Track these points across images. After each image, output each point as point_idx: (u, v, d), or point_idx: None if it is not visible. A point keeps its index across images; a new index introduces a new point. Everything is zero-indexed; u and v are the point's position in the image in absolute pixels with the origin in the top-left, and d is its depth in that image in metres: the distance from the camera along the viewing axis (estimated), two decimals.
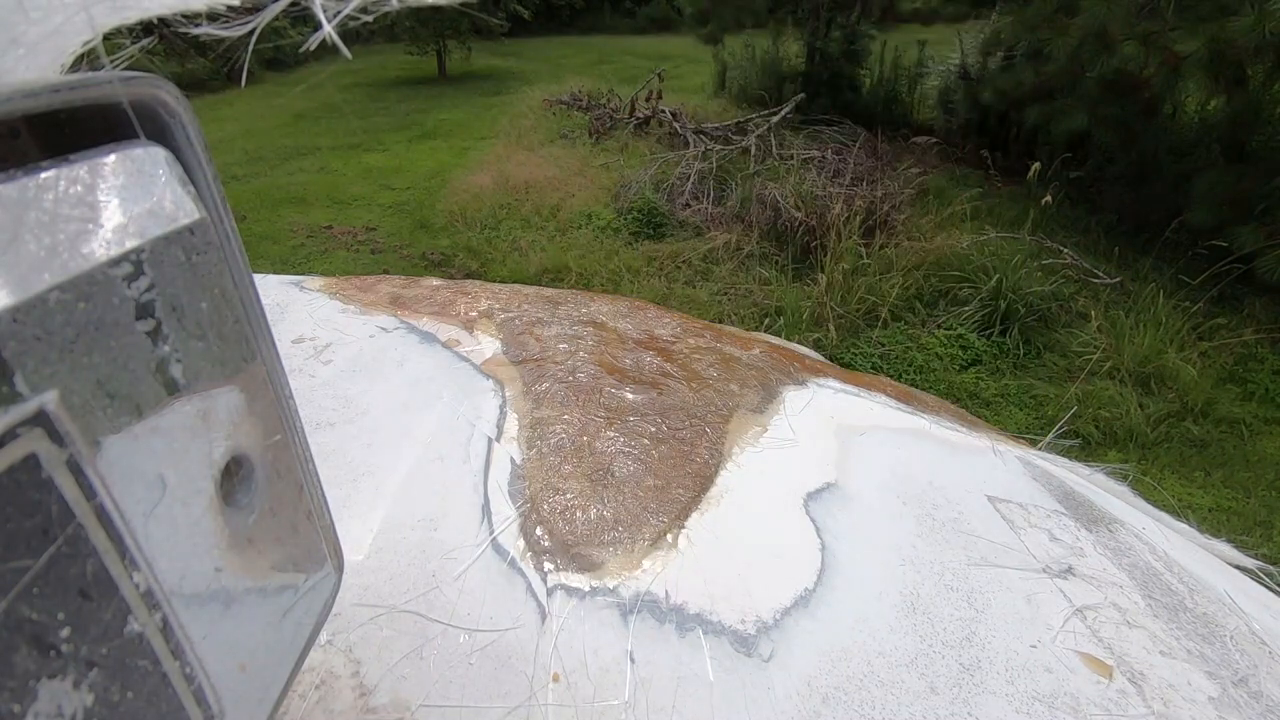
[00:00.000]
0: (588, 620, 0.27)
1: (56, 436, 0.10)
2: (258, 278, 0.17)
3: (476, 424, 0.36)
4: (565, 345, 0.42)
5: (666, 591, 0.28)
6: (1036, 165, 3.67)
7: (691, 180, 3.75)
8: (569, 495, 0.32)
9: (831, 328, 2.66)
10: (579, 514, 0.31)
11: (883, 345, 2.75)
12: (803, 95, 4.66)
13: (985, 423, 0.45)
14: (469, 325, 0.44)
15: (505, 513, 0.31)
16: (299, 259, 3.75)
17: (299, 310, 0.45)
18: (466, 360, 0.41)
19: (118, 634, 0.12)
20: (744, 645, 0.26)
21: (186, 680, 0.14)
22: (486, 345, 0.42)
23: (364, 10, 0.15)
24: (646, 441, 0.36)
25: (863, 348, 2.78)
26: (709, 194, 3.66)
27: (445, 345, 0.42)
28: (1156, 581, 0.33)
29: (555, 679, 0.25)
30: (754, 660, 0.26)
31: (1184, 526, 0.39)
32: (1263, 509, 2.14)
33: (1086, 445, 2.35)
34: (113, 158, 0.13)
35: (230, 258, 0.15)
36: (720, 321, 2.40)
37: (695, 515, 0.32)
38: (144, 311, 0.12)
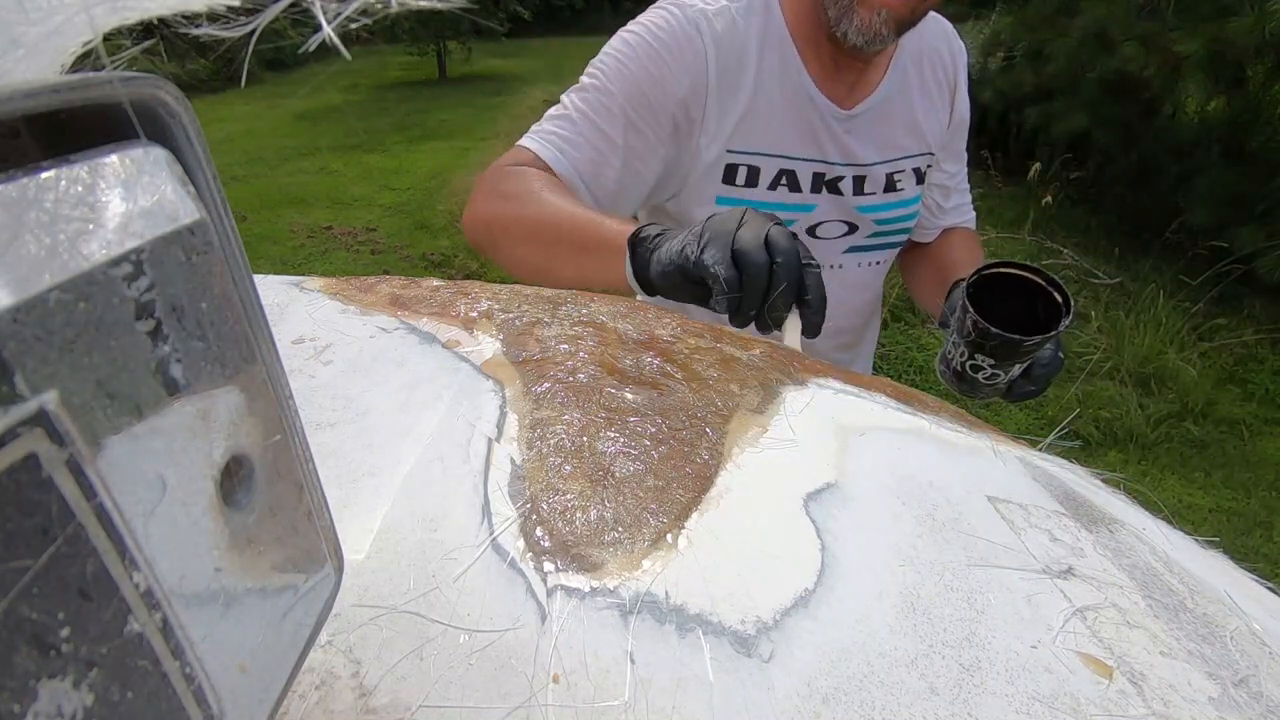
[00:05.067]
0: (588, 621, 0.27)
1: (56, 436, 0.10)
2: (258, 278, 0.17)
3: (476, 424, 0.36)
4: (565, 345, 0.42)
5: (666, 592, 0.28)
6: (1036, 165, 3.67)
7: None
8: (569, 496, 0.32)
9: None
10: (579, 514, 0.31)
11: (882, 345, 2.75)
12: None
13: (985, 423, 0.44)
14: (469, 325, 0.44)
15: (505, 513, 0.31)
16: (299, 259, 3.75)
17: (299, 310, 0.45)
18: (466, 360, 0.41)
19: (118, 634, 0.12)
20: (744, 646, 0.26)
21: (186, 680, 0.14)
22: (486, 345, 0.42)
23: (364, 12, 0.15)
24: (647, 442, 0.36)
25: None
26: None
27: (445, 345, 0.42)
28: (1157, 582, 0.33)
29: (555, 680, 0.25)
30: (754, 661, 0.26)
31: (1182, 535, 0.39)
32: (1263, 509, 2.14)
33: (1087, 445, 2.35)
34: (113, 158, 0.13)
35: (230, 258, 0.15)
36: None
37: (695, 515, 0.32)
38: (144, 311, 0.12)
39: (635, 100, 0.73)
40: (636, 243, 0.58)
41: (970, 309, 0.55)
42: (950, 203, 0.94)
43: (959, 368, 0.58)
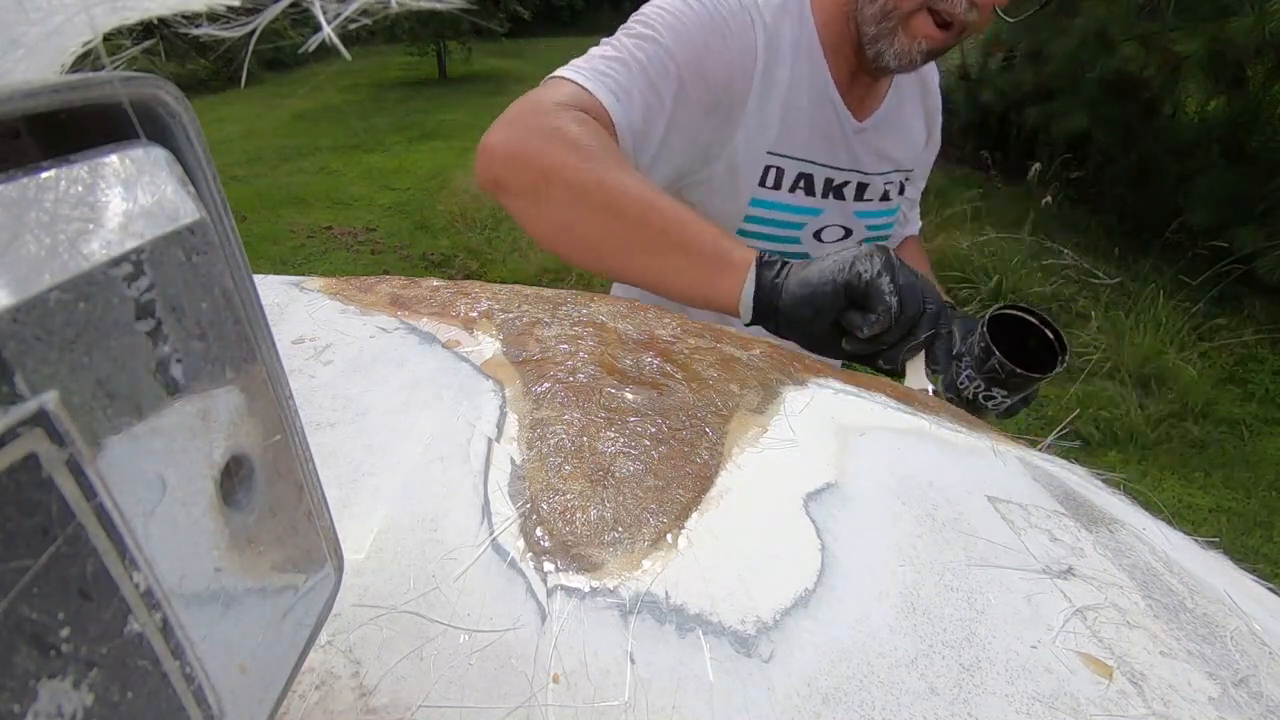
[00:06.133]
0: (588, 621, 0.27)
1: (56, 436, 0.10)
2: (258, 278, 0.17)
3: (476, 424, 0.36)
4: (565, 345, 0.42)
5: (666, 592, 0.28)
6: (1036, 165, 3.67)
7: None
8: (569, 496, 0.32)
9: None
10: (579, 514, 0.31)
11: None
12: None
13: (985, 423, 0.45)
14: (469, 325, 0.44)
15: (505, 513, 0.31)
16: (299, 259, 3.75)
17: (299, 310, 0.45)
18: (466, 360, 0.41)
19: (118, 634, 0.12)
20: (744, 646, 0.26)
21: (186, 680, 0.14)
22: (486, 345, 0.42)
23: (364, 12, 0.15)
24: (647, 442, 0.36)
25: None
26: None
27: (445, 345, 0.42)
28: (1156, 582, 0.33)
29: (555, 680, 0.25)
30: (754, 661, 0.26)
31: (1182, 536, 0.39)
32: (1263, 509, 2.14)
33: (1087, 445, 2.35)
34: (113, 158, 0.13)
35: (230, 258, 0.15)
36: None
37: (695, 515, 0.32)
38: (144, 311, 0.12)
39: (690, 66, 0.65)
40: (763, 264, 0.55)
41: (995, 353, 0.63)
42: (913, 214, 1.02)
43: (970, 396, 0.67)
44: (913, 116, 0.88)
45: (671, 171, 0.71)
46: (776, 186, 0.81)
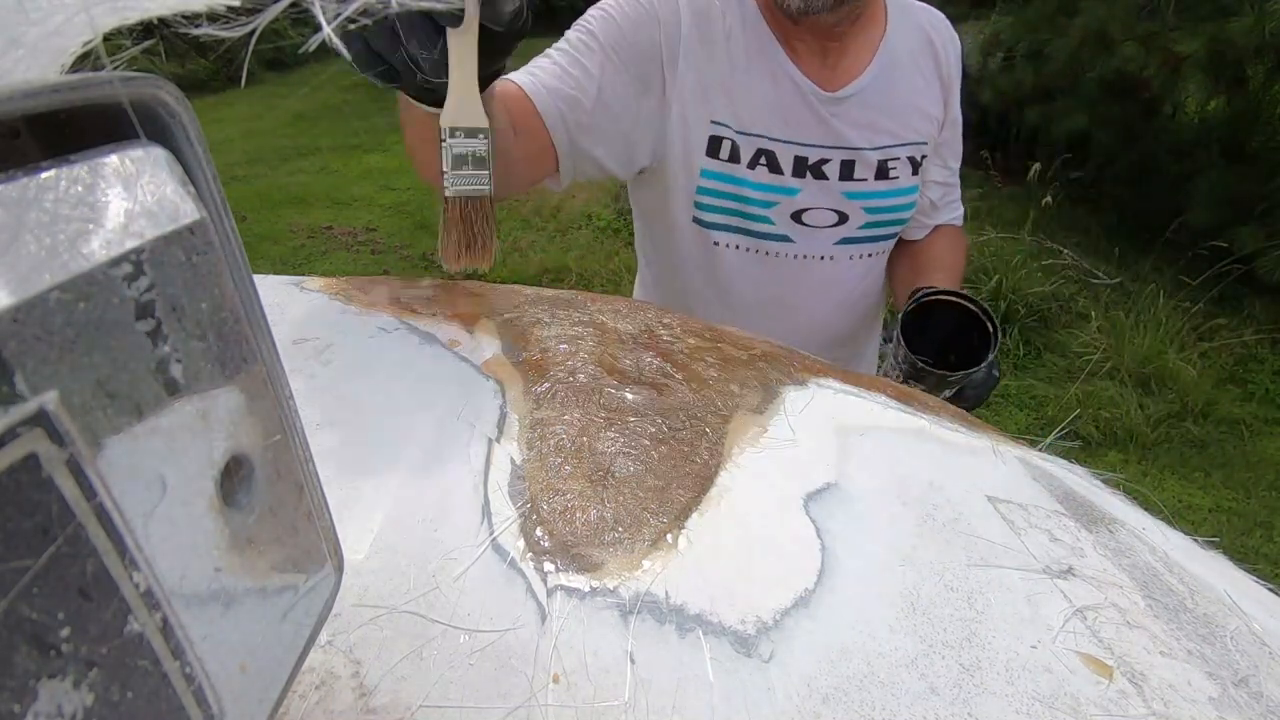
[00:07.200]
0: (588, 621, 0.27)
1: (56, 436, 0.10)
2: (258, 278, 0.17)
3: (476, 424, 0.36)
4: (565, 345, 0.42)
5: (667, 592, 0.28)
6: (1036, 165, 3.67)
7: None
8: (569, 496, 0.32)
9: None
10: (579, 514, 0.31)
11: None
12: None
13: (985, 423, 0.44)
14: (469, 325, 0.44)
15: (505, 513, 0.31)
16: (299, 259, 3.75)
17: (299, 310, 0.45)
18: (466, 360, 0.41)
19: (118, 634, 0.12)
20: (744, 646, 0.26)
21: (186, 680, 0.14)
22: (486, 345, 0.42)
23: (364, 12, 0.15)
24: (647, 442, 0.36)
25: None
26: None
27: (445, 345, 0.42)
28: (1157, 582, 0.33)
29: (555, 680, 0.25)
30: (754, 661, 0.26)
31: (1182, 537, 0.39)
32: (1263, 509, 2.13)
33: (1087, 446, 2.34)
34: (113, 158, 0.13)
35: (230, 258, 0.15)
36: None
37: (695, 515, 0.32)
38: (144, 311, 0.12)
39: (615, 39, 0.75)
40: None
41: (903, 344, 0.59)
42: (946, 199, 0.92)
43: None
44: (921, 85, 0.82)
45: (624, 137, 0.77)
46: (733, 160, 0.79)
